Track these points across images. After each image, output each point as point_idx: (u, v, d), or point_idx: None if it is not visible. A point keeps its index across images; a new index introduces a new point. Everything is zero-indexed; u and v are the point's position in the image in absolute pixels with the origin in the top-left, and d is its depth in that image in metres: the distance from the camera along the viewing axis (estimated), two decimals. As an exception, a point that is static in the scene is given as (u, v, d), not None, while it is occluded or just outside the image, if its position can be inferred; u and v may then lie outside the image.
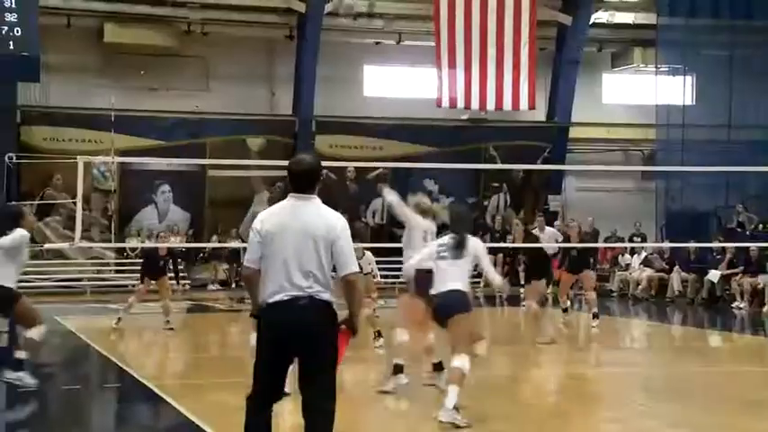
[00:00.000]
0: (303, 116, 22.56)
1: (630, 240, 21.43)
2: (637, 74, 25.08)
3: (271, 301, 4.79)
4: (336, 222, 4.83)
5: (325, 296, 4.79)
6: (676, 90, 23.97)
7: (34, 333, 8.30)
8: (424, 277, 7.58)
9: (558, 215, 23.17)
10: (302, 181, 4.87)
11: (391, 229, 20.15)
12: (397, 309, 9.26)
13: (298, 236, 4.75)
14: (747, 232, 20.02)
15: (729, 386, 9.33)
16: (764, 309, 16.13)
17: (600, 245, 20.76)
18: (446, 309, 7.15)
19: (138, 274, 13.92)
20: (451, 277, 7.21)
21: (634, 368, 10.82)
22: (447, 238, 7.41)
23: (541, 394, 9.20)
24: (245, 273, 4.93)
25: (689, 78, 24.41)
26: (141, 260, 14.30)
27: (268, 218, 4.89)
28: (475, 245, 7.39)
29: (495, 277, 7.56)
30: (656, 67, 23.92)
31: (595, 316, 13.34)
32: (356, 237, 17.07)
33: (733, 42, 23.39)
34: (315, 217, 4.80)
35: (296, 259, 4.74)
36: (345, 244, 4.78)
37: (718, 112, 23.22)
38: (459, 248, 7.28)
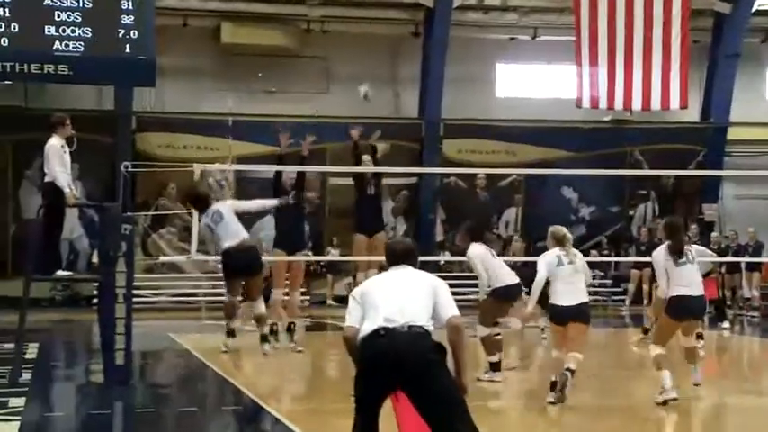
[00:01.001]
0: (430, 119, 22.83)
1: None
2: (807, 66, 24.38)
3: (366, 333, 5.10)
4: (434, 279, 5.37)
5: (429, 328, 5.10)
6: None
7: None
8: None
9: (714, 226, 22.71)
10: (400, 258, 5.50)
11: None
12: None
13: (396, 284, 5.27)
14: None
15: None
16: None
17: (764, 259, 20.24)
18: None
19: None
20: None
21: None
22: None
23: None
24: (344, 333, 5.28)
25: None
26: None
27: (367, 282, 5.49)
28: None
29: None
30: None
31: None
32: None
33: None
34: (414, 274, 5.41)
35: (396, 301, 5.13)
36: (445, 292, 5.26)
37: None
38: None
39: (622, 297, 21.38)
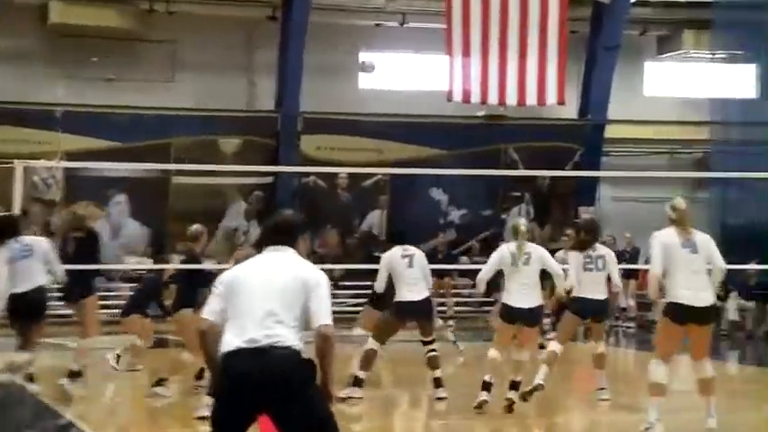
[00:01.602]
0: (287, 112, 22.33)
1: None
2: (687, 61, 24.77)
3: (230, 350, 4.99)
4: (312, 274, 5.19)
5: (296, 345, 5.02)
6: (735, 81, 23.81)
7: None
8: None
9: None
10: (276, 235, 5.34)
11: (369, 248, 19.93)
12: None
13: (265, 282, 5.11)
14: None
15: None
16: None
17: (641, 267, 20.32)
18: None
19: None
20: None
21: (676, 415, 10.42)
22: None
23: None
24: (200, 326, 5.22)
25: (750, 67, 24.15)
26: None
27: (238, 268, 5.31)
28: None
29: None
30: (710, 53, 23.78)
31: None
32: (349, 255, 16.49)
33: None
34: (289, 267, 5.19)
35: (261, 310, 5.03)
36: (321, 295, 5.12)
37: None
38: None
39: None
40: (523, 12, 21.84)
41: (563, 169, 22.48)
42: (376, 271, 11.08)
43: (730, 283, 19.58)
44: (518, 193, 23.51)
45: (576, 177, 22.94)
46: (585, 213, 22.45)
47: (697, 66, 24.64)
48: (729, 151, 22.77)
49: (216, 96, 22.33)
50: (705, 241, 8.74)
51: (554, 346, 10.62)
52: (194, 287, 10.75)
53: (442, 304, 18.95)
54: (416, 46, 23.51)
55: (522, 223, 10.37)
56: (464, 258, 21.45)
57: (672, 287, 8.44)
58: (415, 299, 10.67)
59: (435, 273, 17.69)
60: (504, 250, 10.12)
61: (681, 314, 8.38)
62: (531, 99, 22.19)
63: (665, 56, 24.75)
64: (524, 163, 22.90)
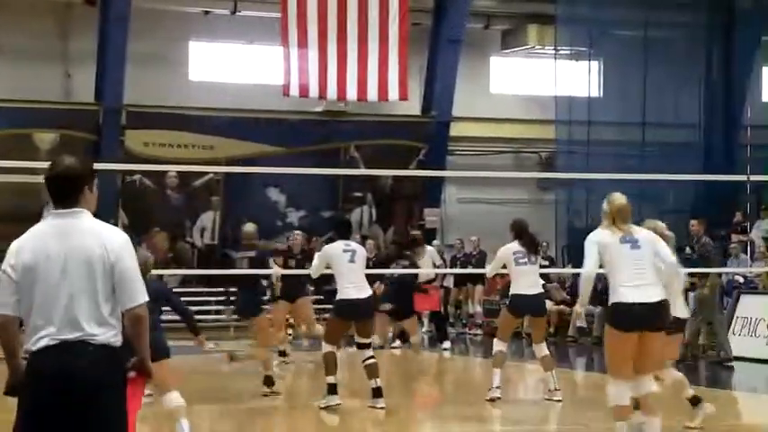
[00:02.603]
0: (109, 105, 22.25)
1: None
2: (532, 57, 25.74)
3: (35, 348, 4.77)
4: (114, 238, 4.83)
5: (103, 339, 4.79)
6: (580, 78, 24.65)
7: None
8: None
9: (435, 233, 23.49)
10: (61, 191, 4.84)
11: (224, 250, 20.00)
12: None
13: (65, 263, 4.76)
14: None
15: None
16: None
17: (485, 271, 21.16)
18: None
19: None
20: None
21: (525, 426, 11.09)
22: None
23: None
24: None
25: (595, 64, 25.19)
26: None
27: (23, 247, 4.82)
28: None
29: None
30: (555, 49, 24.54)
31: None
32: (180, 261, 16.73)
33: (649, 21, 24.22)
34: (86, 236, 4.80)
35: (65, 294, 4.75)
36: (128, 266, 4.81)
37: (630, 107, 24.08)
38: None
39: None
40: (363, 2, 22.28)
41: (407, 168, 22.97)
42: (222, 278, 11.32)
43: (576, 289, 20.57)
44: (360, 194, 23.93)
45: (420, 177, 23.49)
46: (430, 215, 23.27)
47: (542, 62, 25.57)
48: (574, 151, 23.73)
49: (29, 86, 21.96)
50: (649, 238, 8.29)
51: (498, 345, 11.52)
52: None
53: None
54: (249, 36, 23.71)
55: None
56: (307, 265, 21.73)
57: (613, 287, 8.02)
58: (360, 296, 10.76)
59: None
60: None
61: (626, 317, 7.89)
62: (372, 94, 22.70)
63: (509, 51, 25.58)
64: (366, 161, 23.35)
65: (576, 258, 22.37)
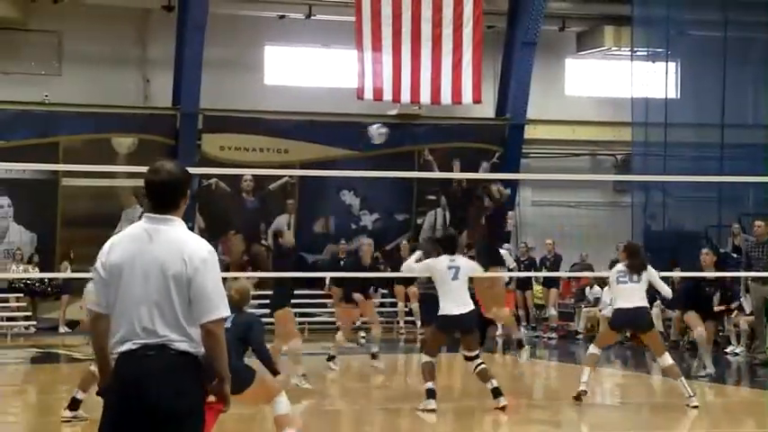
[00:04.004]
0: (186, 109, 22.46)
1: (610, 267, 21.46)
2: (608, 59, 25.61)
3: (117, 351, 4.85)
4: (197, 251, 4.82)
5: (183, 346, 4.82)
6: (657, 80, 24.44)
7: None
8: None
9: (510, 236, 23.36)
10: (160, 197, 4.90)
11: (299, 254, 20.12)
12: None
13: (148, 269, 4.80)
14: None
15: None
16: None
17: (563, 274, 21.04)
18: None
19: None
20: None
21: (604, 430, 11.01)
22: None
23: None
24: (88, 318, 5.05)
25: (672, 65, 25.00)
26: None
27: (114, 246, 4.91)
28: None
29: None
30: (631, 50, 24.38)
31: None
32: (256, 264, 16.89)
33: (727, 21, 23.96)
34: (171, 245, 4.82)
35: (146, 300, 4.80)
36: (207, 281, 4.79)
37: (708, 109, 23.82)
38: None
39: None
40: (437, 5, 22.30)
41: (481, 171, 22.88)
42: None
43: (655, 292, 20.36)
44: (433, 197, 23.90)
45: (495, 180, 23.35)
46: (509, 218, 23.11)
47: (618, 64, 25.40)
48: (651, 153, 23.52)
49: (108, 92, 22.34)
50: None
51: (593, 350, 12.05)
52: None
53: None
54: (324, 40, 23.86)
55: None
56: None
57: None
58: (461, 312, 11.11)
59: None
60: None
61: None
62: (446, 97, 22.69)
63: (584, 53, 25.47)
64: (439, 165, 23.32)
65: (652, 260, 22.18)
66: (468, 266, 11.49)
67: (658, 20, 23.95)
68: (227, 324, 8.61)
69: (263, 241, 22.28)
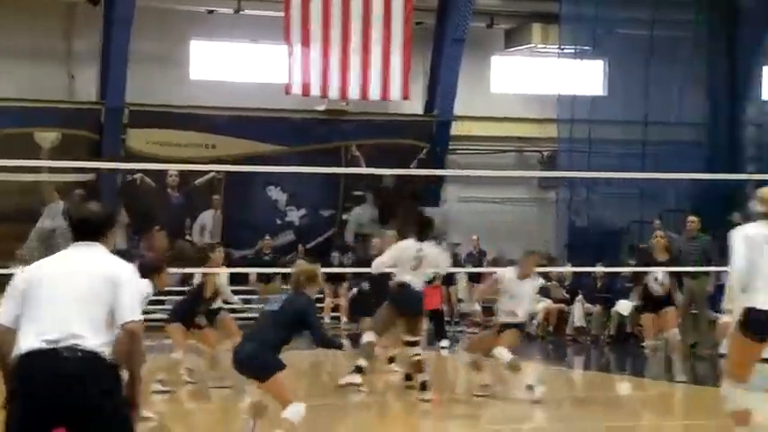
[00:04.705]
0: (111, 104, 22.27)
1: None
2: (535, 56, 25.68)
3: (25, 351, 4.87)
4: (120, 269, 5.13)
5: (103, 350, 4.91)
6: (583, 77, 24.64)
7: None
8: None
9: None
10: (82, 233, 5.21)
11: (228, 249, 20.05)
12: None
13: (68, 278, 5.01)
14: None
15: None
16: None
17: (486, 269, 21.14)
18: None
19: None
20: None
21: (525, 425, 11.07)
22: None
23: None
24: None
25: (599, 63, 25.27)
26: None
27: (41, 263, 5.20)
28: None
29: None
30: (559, 48, 24.54)
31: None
32: (180, 259, 16.68)
33: (653, 20, 24.22)
34: (94, 261, 5.10)
35: (63, 308, 4.92)
36: (128, 290, 5.04)
37: (633, 106, 24.09)
38: None
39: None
40: (366, 1, 22.29)
41: (408, 167, 22.93)
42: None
43: (577, 287, 20.57)
44: (361, 193, 23.89)
45: (422, 176, 23.42)
46: (431, 214, 23.16)
47: (545, 61, 25.50)
48: (576, 150, 23.71)
49: (32, 86, 22.05)
50: None
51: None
52: None
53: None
54: (253, 35, 23.72)
55: None
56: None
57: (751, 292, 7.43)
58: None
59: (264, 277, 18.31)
60: None
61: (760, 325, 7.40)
62: (375, 93, 22.75)
63: (512, 50, 25.53)
64: (367, 161, 23.34)
65: (576, 256, 22.48)
66: (433, 260, 11.64)
67: (586, 18, 24.08)
68: (275, 306, 8.71)
69: (188, 237, 22.20)
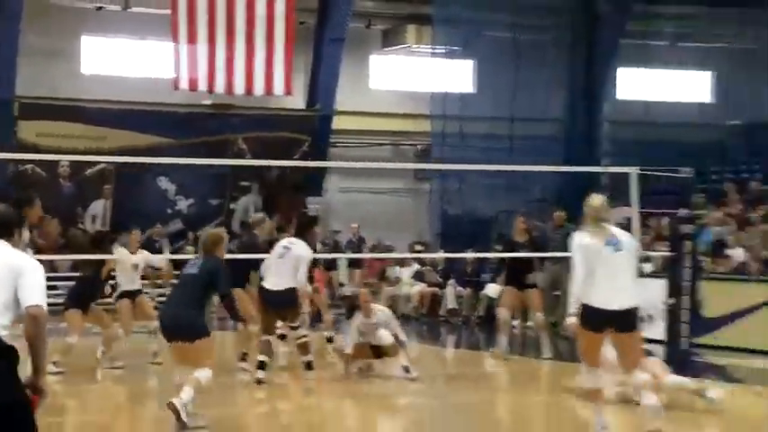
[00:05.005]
0: (2, 97, 21.86)
1: (411, 250, 22.12)
2: (410, 56, 26.02)
3: None
4: (24, 262, 5.11)
5: (5, 335, 4.90)
6: (454, 76, 25.15)
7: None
8: None
9: (318, 220, 23.63)
10: None
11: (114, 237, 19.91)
12: None
13: None
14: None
15: (507, 416, 10.13)
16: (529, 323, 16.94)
17: (366, 255, 21.52)
18: None
19: None
20: None
21: (400, 399, 11.40)
22: None
23: (295, 428, 9.54)
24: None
25: (468, 63, 25.76)
26: None
27: None
28: None
29: None
30: (431, 48, 24.91)
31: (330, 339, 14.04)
32: (73, 247, 16.51)
33: (518, 24, 24.80)
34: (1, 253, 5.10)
35: None
36: (32, 278, 5.03)
37: (500, 103, 24.57)
38: None
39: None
40: (250, 1, 22.35)
41: (291, 159, 23.08)
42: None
43: (450, 271, 21.08)
44: (247, 184, 23.91)
45: (304, 168, 23.61)
46: (313, 203, 23.43)
47: (419, 60, 25.90)
48: (448, 144, 24.18)
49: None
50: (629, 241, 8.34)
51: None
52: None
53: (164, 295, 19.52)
54: (141, 31, 23.57)
55: None
56: (190, 249, 21.70)
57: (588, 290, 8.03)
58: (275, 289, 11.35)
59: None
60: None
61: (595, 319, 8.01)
62: (259, 89, 22.82)
63: (389, 49, 25.85)
64: (252, 153, 23.39)
65: (449, 243, 22.94)
66: (298, 252, 11.56)
67: (457, 21, 24.53)
68: (194, 270, 8.78)
69: (80, 225, 21.96)
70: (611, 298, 7.93)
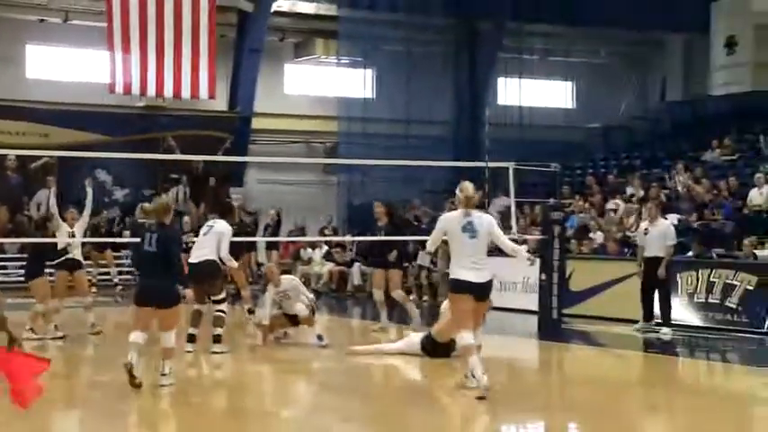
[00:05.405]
0: (-47, 98, 21.20)
1: (321, 234, 22.14)
2: (319, 65, 25.95)
3: None
4: None
5: None
6: (357, 83, 25.19)
7: None
8: None
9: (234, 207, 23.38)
10: None
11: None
12: None
13: None
14: (424, 225, 21.43)
15: (393, 377, 10.13)
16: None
17: (283, 239, 21.35)
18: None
19: None
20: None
21: (310, 364, 11.29)
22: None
23: (215, 391, 9.35)
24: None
25: (369, 72, 25.78)
26: None
27: None
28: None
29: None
30: (337, 59, 24.96)
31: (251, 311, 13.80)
32: (20, 231, 16.02)
33: (410, 38, 25.01)
34: None
35: None
36: None
37: (396, 107, 24.75)
38: None
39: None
40: (177, 16, 22.15)
41: (216, 155, 22.80)
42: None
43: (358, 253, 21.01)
44: (176, 176, 23.55)
45: (227, 162, 23.31)
46: (235, 194, 23.21)
47: (327, 69, 25.89)
48: (353, 142, 24.21)
49: None
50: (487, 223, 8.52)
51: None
52: None
53: (107, 273, 19.07)
54: (79, 41, 23.09)
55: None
56: (127, 233, 21.25)
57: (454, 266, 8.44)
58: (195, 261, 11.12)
59: (98, 246, 17.89)
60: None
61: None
62: (186, 93, 22.61)
63: (300, 60, 25.79)
64: (181, 149, 23.07)
65: (354, 228, 22.95)
66: (220, 229, 11.21)
67: (359, 36, 24.71)
68: (152, 248, 8.46)
69: (26, 212, 21.35)
70: (473, 273, 8.32)
